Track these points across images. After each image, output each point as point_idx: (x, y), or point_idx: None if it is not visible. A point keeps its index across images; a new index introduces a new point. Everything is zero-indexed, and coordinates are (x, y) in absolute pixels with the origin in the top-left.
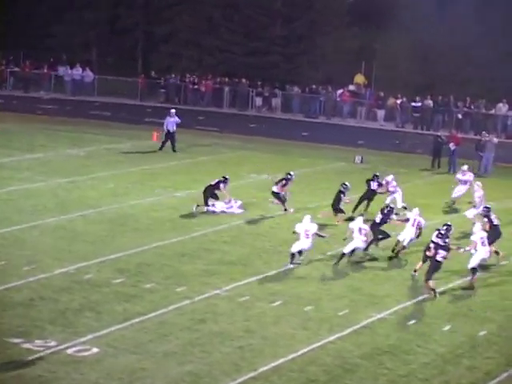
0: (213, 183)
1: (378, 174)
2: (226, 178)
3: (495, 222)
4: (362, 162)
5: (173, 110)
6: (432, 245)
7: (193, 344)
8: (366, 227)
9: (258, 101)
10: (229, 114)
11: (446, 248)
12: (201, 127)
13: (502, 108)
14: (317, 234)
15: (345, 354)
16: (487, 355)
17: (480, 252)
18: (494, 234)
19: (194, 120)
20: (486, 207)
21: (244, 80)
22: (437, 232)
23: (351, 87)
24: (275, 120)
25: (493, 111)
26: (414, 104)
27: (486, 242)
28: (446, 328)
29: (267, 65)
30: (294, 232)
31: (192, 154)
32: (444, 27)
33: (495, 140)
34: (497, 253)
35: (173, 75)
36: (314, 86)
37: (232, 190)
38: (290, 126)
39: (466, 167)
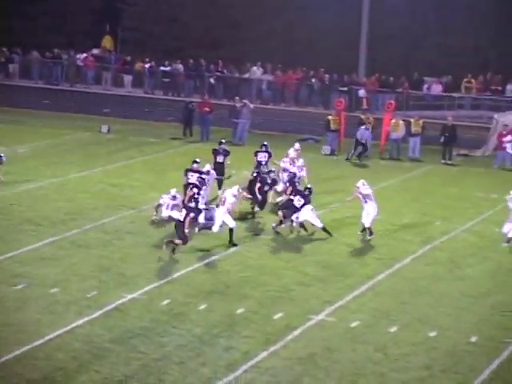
0: None
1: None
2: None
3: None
4: (109, 131)
5: None
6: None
7: None
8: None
9: None
10: None
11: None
12: None
13: (257, 72)
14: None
15: (94, 338)
16: (245, 334)
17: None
18: None
19: None
20: None
21: None
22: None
23: (95, 51)
24: (13, 87)
25: (247, 75)
26: (163, 68)
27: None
28: (203, 307)
29: (2, 27)
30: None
31: None
32: None
33: (251, 106)
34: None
35: None
36: (55, 51)
37: None
38: (29, 94)
39: (297, 145)
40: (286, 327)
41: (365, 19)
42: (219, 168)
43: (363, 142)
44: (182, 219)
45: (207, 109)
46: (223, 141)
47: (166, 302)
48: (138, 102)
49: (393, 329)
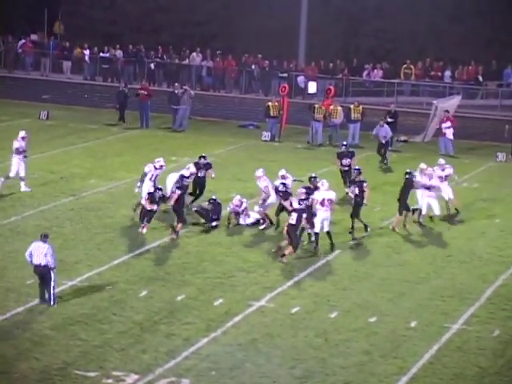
0: None
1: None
2: None
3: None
4: (48, 117)
5: None
6: None
7: None
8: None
9: None
10: None
11: None
12: None
13: (196, 58)
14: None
15: (34, 325)
16: (186, 321)
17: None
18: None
19: None
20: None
21: None
22: None
23: (33, 37)
24: None
25: (186, 61)
26: (102, 54)
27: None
28: (143, 294)
29: None
30: None
31: None
32: None
33: (192, 93)
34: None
35: None
36: None
37: None
38: None
39: (443, 161)
40: (226, 313)
41: (304, 4)
42: (200, 182)
43: (383, 141)
44: (294, 223)
45: (146, 94)
46: (204, 155)
47: (106, 289)
48: (77, 88)
49: (333, 314)
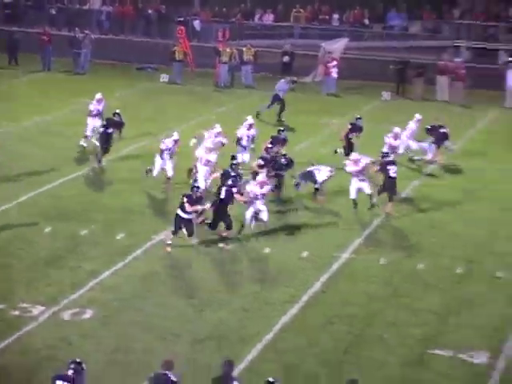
0: None
1: None
2: None
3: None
4: None
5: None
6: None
7: None
8: None
9: None
10: None
11: None
12: None
13: (96, 2)
14: None
15: None
16: (90, 255)
17: None
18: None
19: None
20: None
21: None
22: None
23: None
24: None
25: (87, 6)
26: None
27: None
28: (47, 230)
29: None
30: None
31: None
32: None
33: (92, 37)
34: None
35: None
36: None
37: None
38: None
39: (398, 129)
40: (128, 247)
41: None
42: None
43: (281, 96)
44: None
45: (47, 40)
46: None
47: (12, 225)
48: None
49: (229, 247)
